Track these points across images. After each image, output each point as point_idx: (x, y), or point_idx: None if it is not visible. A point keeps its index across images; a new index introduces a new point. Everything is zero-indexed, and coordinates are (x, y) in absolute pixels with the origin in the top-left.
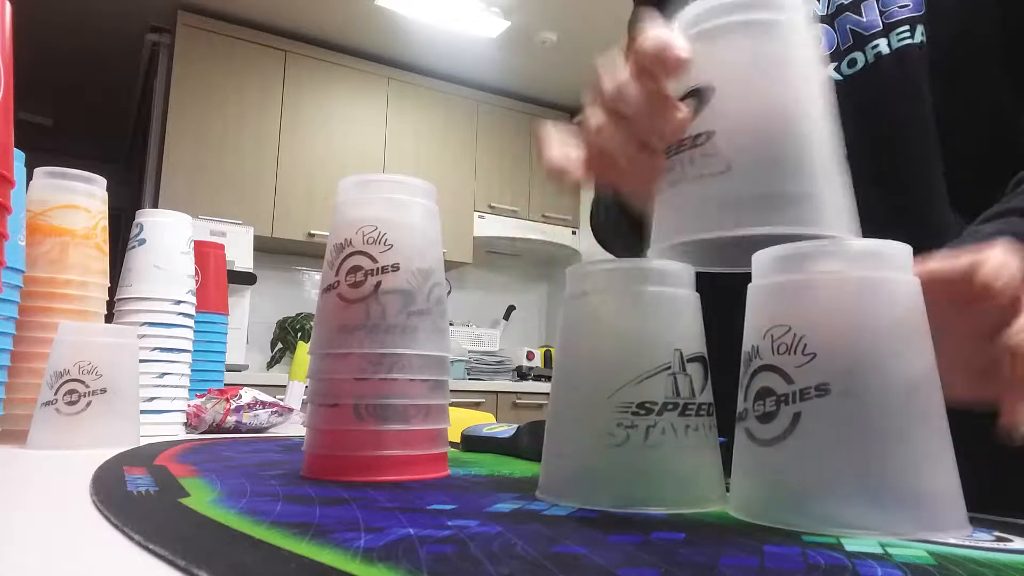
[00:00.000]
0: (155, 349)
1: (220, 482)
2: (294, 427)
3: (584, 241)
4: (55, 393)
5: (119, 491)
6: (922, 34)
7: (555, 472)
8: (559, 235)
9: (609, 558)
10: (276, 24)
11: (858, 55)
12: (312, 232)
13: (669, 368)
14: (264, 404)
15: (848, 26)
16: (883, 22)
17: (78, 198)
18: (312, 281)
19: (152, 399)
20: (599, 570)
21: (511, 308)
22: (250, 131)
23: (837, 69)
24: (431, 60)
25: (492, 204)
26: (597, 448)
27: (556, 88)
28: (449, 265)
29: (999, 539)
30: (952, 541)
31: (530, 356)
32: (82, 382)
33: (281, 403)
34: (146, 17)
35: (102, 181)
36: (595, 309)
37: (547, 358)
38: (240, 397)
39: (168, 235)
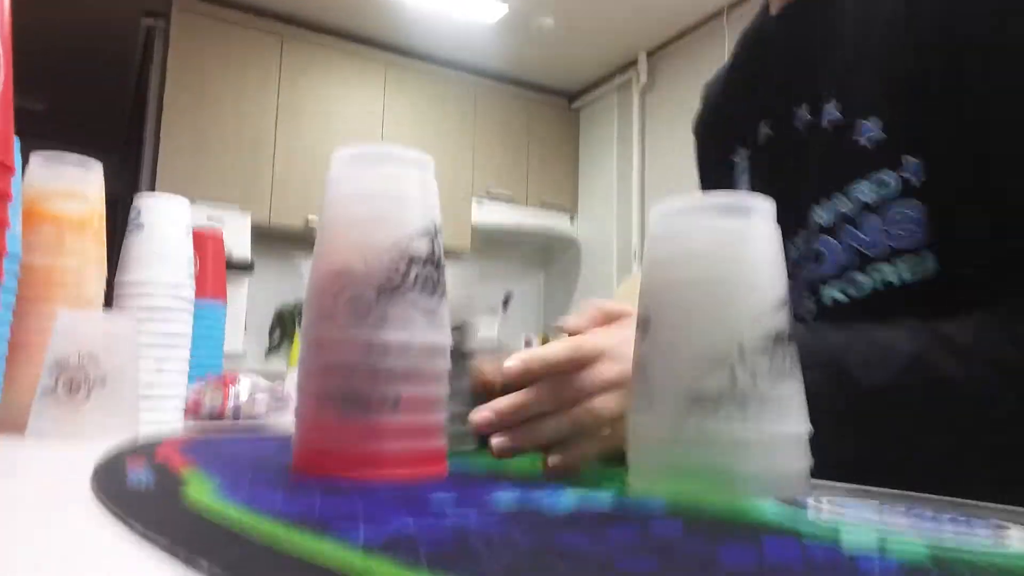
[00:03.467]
0: (154, 334)
1: (220, 473)
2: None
3: (582, 228)
4: (55, 382)
5: (119, 482)
6: (934, 263)
7: None
8: (557, 222)
9: (609, 550)
10: (273, 8)
11: (864, 279)
12: (310, 219)
13: None
14: (263, 392)
15: (852, 243)
16: (889, 246)
17: (75, 184)
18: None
19: (151, 386)
20: (598, 562)
21: (509, 295)
22: (247, 117)
23: (843, 291)
24: (429, 45)
25: (490, 190)
26: None
27: (554, 74)
28: (447, 252)
29: (997, 528)
30: (950, 532)
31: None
32: (83, 370)
33: (280, 391)
34: (141, 1)
35: (99, 166)
36: None
37: None
38: (239, 384)
39: (167, 219)
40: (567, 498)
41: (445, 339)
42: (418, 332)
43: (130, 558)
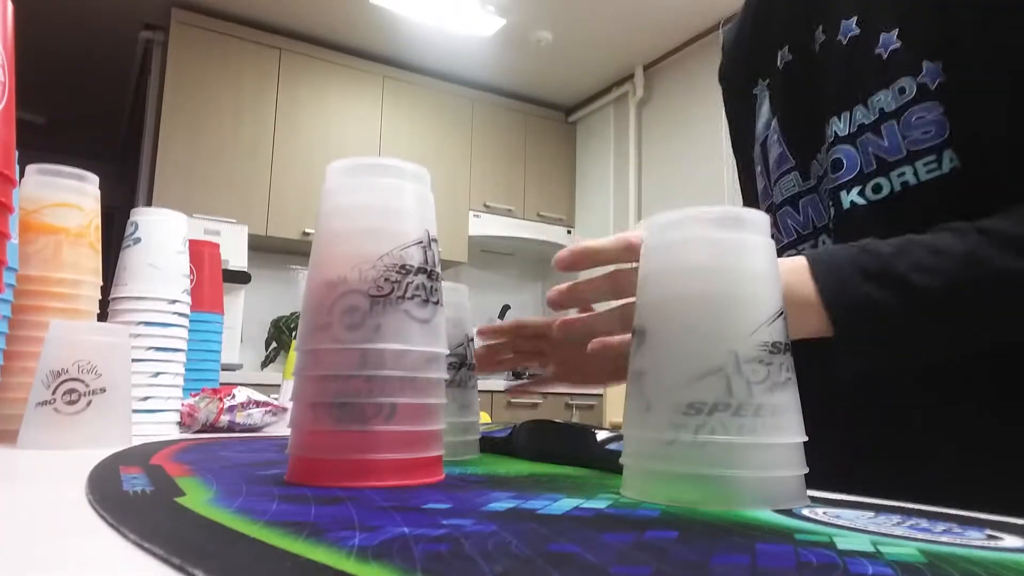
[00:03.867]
0: (149, 348)
1: (216, 481)
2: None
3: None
4: (52, 392)
5: (115, 490)
6: (951, 161)
7: None
8: (554, 234)
9: (603, 556)
10: (271, 22)
11: (883, 181)
12: (306, 231)
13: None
14: (258, 403)
15: (870, 149)
16: (907, 149)
17: (71, 196)
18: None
19: (146, 399)
20: (593, 568)
21: (506, 307)
22: (244, 130)
23: (861, 193)
24: (426, 58)
25: (487, 203)
26: None
27: (551, 87)
28: (444, 264)
29: (990, 537)
30: (944, 540)
31: None
32: (82, 381)
33: (275, 402)
34: (140, 14)
35: (95, 179)
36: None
37: None
38: (234, 396)
39: (163, 234)
40: (562, 505)
41: (441, 348)
42: (413, 341)
43: (125, 566)
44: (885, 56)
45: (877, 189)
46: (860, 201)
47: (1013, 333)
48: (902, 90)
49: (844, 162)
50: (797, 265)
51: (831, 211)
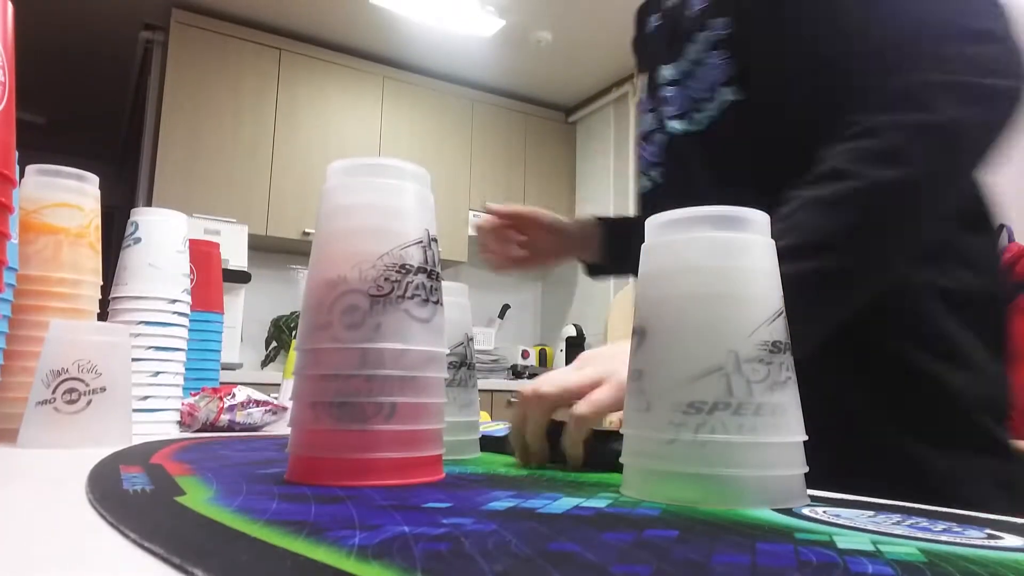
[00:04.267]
0: (149, 348)
1: (216, 480)
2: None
3: None
4: (52, 392)
5: (115, 489)
6: (734, 95)
7: None
8: None
9: (603, 555)
10: (270, 22)
11: (695, 114)
12: (306, 231)
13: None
14: (258, 403)
15: (688, 92)
16: (709, 88)
17: (71, 196)
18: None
19: (146, 398)
20: (593, 567)
21: (506, 307)
22: (244, 130)
23: (681, 123)
24: (426, 59)
25: (487, 203)
26: None
27: (551, 87)
28: (444, 264)
29: (990, 536)
30: (944, 539)
31: (525, 355)
32: (82, 380)
33: (275, 402)
34: (140, 15)
35: (94, 179)
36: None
37: (542, 357)
38: (234, 396)
39: (163, 233)
40: (562, 504)
41: (441, 347)
42: (413, 341)
43: (125, 565)
44: (692, 16)
45: (692, 120)
46: (680, 128)
47: (895, 250)
48: (702, 41)
49: (671, 100)
50: None
51: (665, 138)
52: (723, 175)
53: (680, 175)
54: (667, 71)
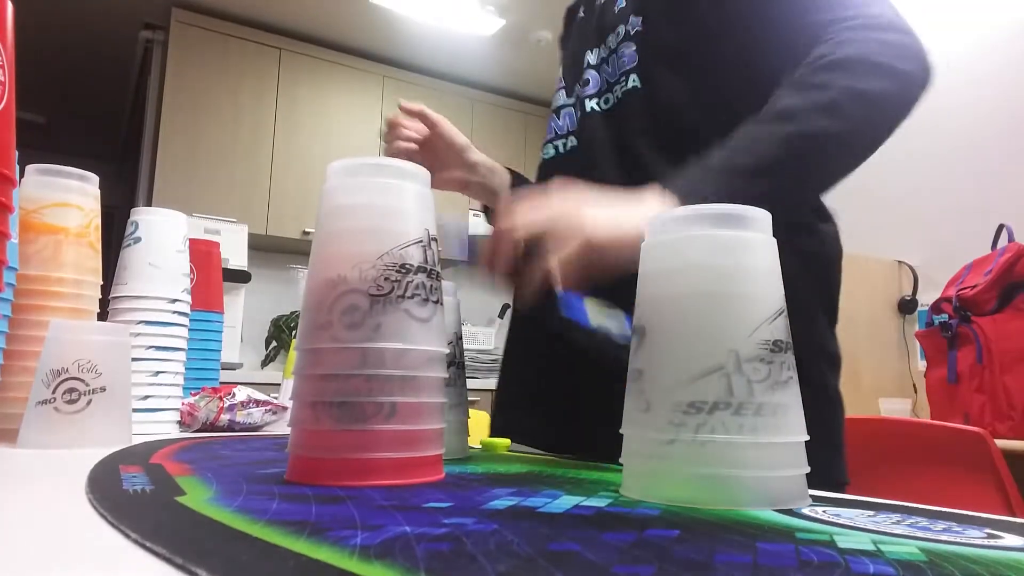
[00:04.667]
0: (150, 347)
1: (216, 480)
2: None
3: None
4: (52, 392)
5: (115, 489)
6: (634, 81)
7: None
8: None
9: (604, 555)
10: (270, 21)
11: (609, 95)
12: (306, 231)
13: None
14: (258, 402)
15: (603, 75)
16: (619, 73)
17: (71, 196)
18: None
19: (146, 397)
20: (595, 567)
21: (506, 307)
22: (244, 129)
23: (597, 103)
24: (426, 58)
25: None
26: None
27: (551, 87)
28: (445, 263)
29: (990, 536)
30: (944, 538)
31: None
32: (82, 380)
33: (275, 401)
34: (140, 14)
35: (95, 179)
36: None
37: None
38: (234, 395)
39: (163, 233)
40: (562, 503)
41: (441, 347)
42: (412, 340)
43: (125, 565)
44: (616, 11)
45: (607, 101)
46: (596, 108)
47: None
48: (620, 33)
49: (590, 81)
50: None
51: (578, 114)
52: (623, 150)
53: (586, 148)
54: (590, 56)
